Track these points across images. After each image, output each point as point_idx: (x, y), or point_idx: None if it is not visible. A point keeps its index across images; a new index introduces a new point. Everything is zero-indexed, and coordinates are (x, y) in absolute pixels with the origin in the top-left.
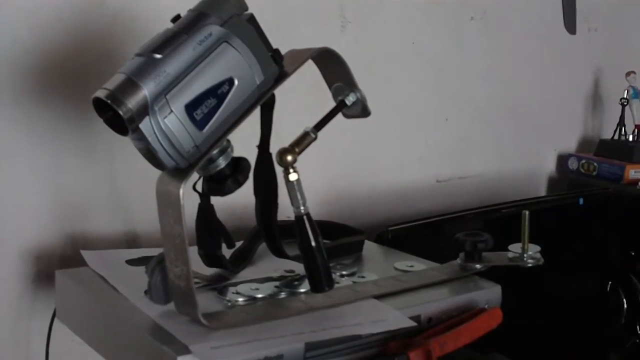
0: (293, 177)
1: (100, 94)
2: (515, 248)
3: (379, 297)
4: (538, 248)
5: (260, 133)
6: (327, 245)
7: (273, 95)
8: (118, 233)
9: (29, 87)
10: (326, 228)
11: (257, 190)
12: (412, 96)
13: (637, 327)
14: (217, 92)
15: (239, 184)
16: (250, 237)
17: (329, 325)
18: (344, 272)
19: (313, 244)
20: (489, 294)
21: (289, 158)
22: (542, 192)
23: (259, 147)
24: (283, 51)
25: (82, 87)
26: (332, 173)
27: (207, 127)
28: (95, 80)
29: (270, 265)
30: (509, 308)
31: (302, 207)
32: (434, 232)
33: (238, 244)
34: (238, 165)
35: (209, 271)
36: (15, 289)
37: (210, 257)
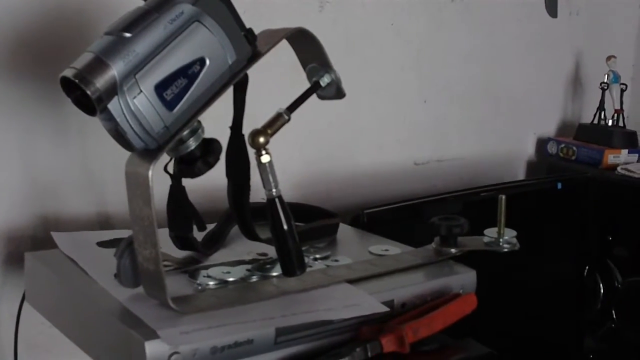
0: (265, 159)
1: (68, 73)
2: (491, 233)
3: (352, 281)
4: (514, 233)
5: (232, 114)
6: (301, 229)
7: (246, 76)
8: (91, 214)
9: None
10: (300, 211)
11: (229, 172)
12: (390, 77)
13: (613, 311)
14: (187, 72)
15: (209, 165)
16: (223, 220)
17: (300, 309)
18: (317, 256)
19: (285, 227)
20: (464, 279)
21: (261, 140)
22: (521, 175)
23: (232, 128)
24: (258, 31)
25: (54, 65)
26: (308, 155)
27: (177, 108)
28: (67, 58)
29: (243, 248)
30: (484, 292)
31: (274, 190)
32: (411, 216)
33: (210, 227)
34: (209, 147)
35: (181, 254)
36: None
37: (181, 239)
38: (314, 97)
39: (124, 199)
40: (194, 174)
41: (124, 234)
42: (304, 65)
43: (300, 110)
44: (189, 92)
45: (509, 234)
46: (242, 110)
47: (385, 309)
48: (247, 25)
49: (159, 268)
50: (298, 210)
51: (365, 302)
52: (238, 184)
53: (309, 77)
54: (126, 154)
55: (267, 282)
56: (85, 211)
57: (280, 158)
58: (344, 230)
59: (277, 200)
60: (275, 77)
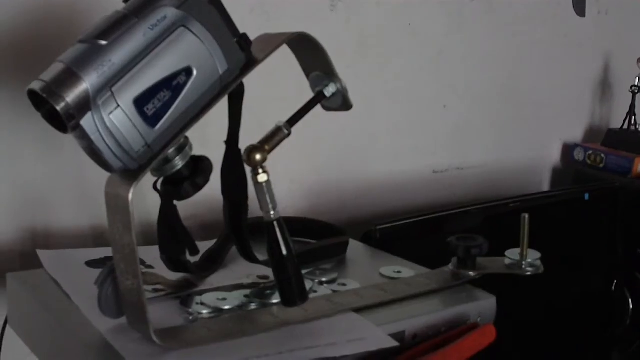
0: (262, 178)
1: (35, 86)
2: (513, 254)
3: (359, 309)
4: (538, 255)
5: (228, 127)
6: (306, 248)
7: (241, 85)
8: (84, 228)
9: None
10: (306, 227)
11: (225, 190)
12: (407, 81)
13: None
14: (172, 84)
15: (198, 187)
16: (223, 237)
17: (299, 345)
18: (323, 279)
19: (284, 253)
20: (483, 306)
21: (258, 157)
22: (546, 184)
23: (227, 142)
24: (261, 33)
25: (42, 69)
26: (319, 163)
27: (160, 124)
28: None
29: (242, 269)
30: (509, 306)
31: (272, 212)
32: (427, 231)
33: (210, 244)
34: (198, 166)
35: (176, 275)
36: None
37: (173, 262)
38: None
39: None
40: (180, 197)
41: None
42: (307, 73)
43: (309, 116)
44: (174, 106)
45: (533, 256)
46: (238, 123)
47: (393, 343)
48: (254, 26)
49: (142, 300)
50: (304, 226)
51: (372, 335)
52: (234, 202)
53: (313, 87)
54: None
55: (266, 311)
56: (78, 225)
57: (289, 167)
58: (355, 248)
59: (275, 223)
60: (284, 84)
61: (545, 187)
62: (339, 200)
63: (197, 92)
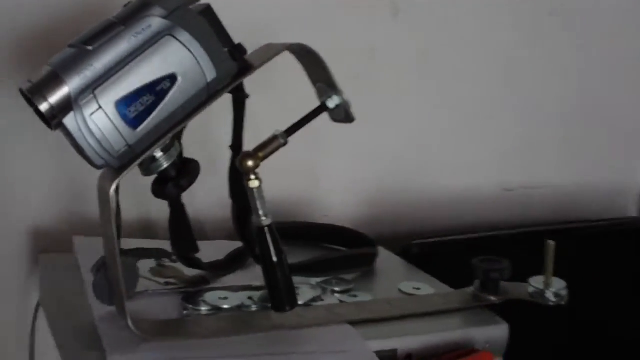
0: (253, 184)
1: (24, 86)
2: (536, 282)
3: (359, 322)
4: (563, 284)
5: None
6: (327, 257)
7: (243, 92)
8: (132, 219)
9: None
10: (339, 235)
11: (232, 194)
12: (476, 94)
13: None
14: (155, 89)
15: (181, 188)
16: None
17: (278, 350)
18: (336, 289)
19: (274, 259)
20: (492, 332)
21: (250, 163)
22: (632, 210)
23: (232, 147)
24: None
25: None
26: (378, 174)
27: (142, 126)
28: None
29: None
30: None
31: (263, 218)
32: (468, 251)
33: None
34: (185, 168)
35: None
36: (23, 266)
37: (184, 259)
38: (387, 111)
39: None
40: (165, 196)
41: (154, 244)
42: (313, 83)
43: (368, 125)
44: (157, 110)
45: (558, 285)
46: (241, 128)
47: None
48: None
49: (121, 290)
50: (336, 234)
51: (356, 350)
52: (241, 206)
53: (318, 97)
54: None
55: (263, 314)
56: (127, 216)
57: (347, 173)
58: (390, 261)
59: (266, 229)
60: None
61: (633, 212)
62: (395, 212)
63: (181, 98)
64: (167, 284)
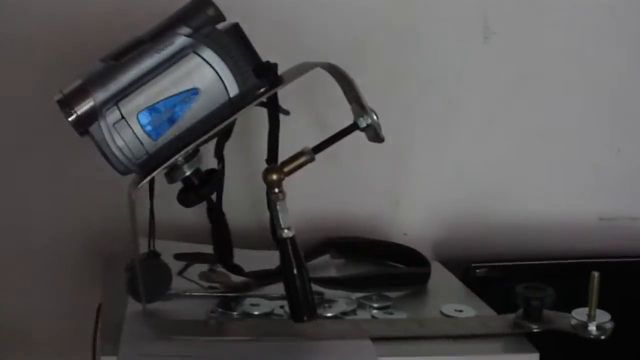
0: (276, 197)
1: (56, 96)
2: (579, 314)
3: (380, 339)
4: (608, 317)
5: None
6: (383, 272)
7: (277, 107)
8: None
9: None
10: (396, 252)
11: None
12: (573, 119)
13: None
14: (176, 103)
15: (201, 197)
16: (309, 252)
17: (282, 358)
18: (375, 305)
19: (294, 270)
20: None
21: (274, 177)
22: None
23: (267, 160)
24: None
25: None
26: (465, 196)
27: (162, 137)
28: None
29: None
30: None
31: (285, 231)
32: (531, 277)
33: None
34: (208, 177)
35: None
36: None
37: (224, 264)
38: (475, 135)
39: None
40: (186, 204)
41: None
42: (349, 102)
43: (455, 147)
44: (177, 123)
45: (602, 318)
46: (275, 143)
47: None
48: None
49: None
50: (393, 251)
51: None
52: None
53: (354, 116)
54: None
55: (286, 322)
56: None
57: (429, 193)
58: (447, 283)
59: (288, 241)
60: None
61: None
62: (478, 235)
63: (203, 112)
64: (210, 288)
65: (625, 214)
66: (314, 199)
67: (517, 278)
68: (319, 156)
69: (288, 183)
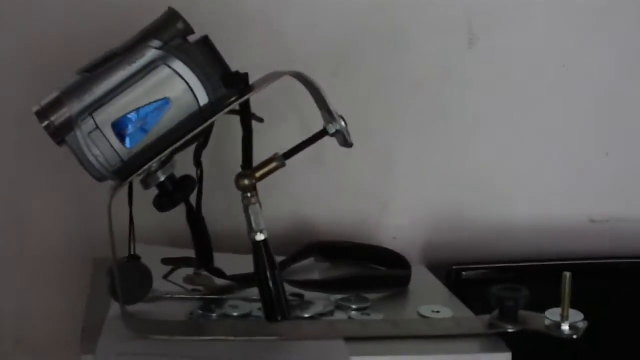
0: (248, 202)
1: (34, 108)
2: (553, 314)
3: (356, 339)
4: (581, 316)
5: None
6: (366, 274)
7: (249, 115)
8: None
9: None
10: (376, 255)
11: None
12: (563, 123)
13: None
14: (148, 112)
15: (173, 201)
16: (293, 255)
17: (257, 356)
18: (354, 306)
19: (268, 273)
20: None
21: (246, 182)
22: None
23: (242, 167)
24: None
25: None
26: (456, 198)
27: (136, 145)
28: None
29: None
30: None
31: (258, 234)
32: (514, 279)
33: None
34: (182, 183)
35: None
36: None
37: (206, 268)
38: (463, 138)
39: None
40: (161, 209)
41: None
42: (319, 109)
43: (450, 148)
44: (150, 131)
45: (575, 317)
46: (249, 150)
47: None
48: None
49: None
50: (374, 254)
51: None
52: None
53: (324, 122)
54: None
55: (259, 322)
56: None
57: (418, 197)
58: (429, 285)
59: (261, 244)
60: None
61: None
62: (468, 239)
63: (174, 121)
64: (193, 290)
65: (616, 215)
66: (303, 203)
67: (503, 280)
68: (307, 161)
69: (276, 187)
